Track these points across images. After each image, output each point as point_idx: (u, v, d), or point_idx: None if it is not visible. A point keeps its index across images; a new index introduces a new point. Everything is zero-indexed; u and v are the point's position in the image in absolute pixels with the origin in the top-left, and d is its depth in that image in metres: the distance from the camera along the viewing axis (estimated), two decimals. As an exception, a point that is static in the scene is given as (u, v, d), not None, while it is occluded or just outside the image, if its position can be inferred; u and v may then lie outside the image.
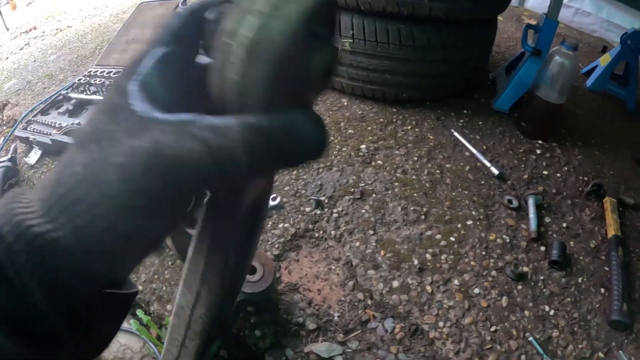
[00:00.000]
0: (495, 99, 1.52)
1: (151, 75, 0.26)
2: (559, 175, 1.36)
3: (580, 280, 1.12)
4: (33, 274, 0.21)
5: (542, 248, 1.15)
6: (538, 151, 1.41)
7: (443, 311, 0.98)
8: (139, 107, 0.24)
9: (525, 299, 1.04)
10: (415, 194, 1.17)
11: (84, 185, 0.23)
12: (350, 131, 1.32)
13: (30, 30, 2.49)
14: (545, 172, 1.35)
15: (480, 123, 1.46)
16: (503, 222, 1.17)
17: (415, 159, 1.27)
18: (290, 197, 1.16)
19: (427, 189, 1.19)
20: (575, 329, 1.03)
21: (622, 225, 1.30)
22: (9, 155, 1.37)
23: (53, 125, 1.33)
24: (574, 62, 1.35)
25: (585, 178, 1.37)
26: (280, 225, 1.10)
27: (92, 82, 1.41)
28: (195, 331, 0.37)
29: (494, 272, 1.06)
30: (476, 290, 1.03)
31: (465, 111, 1.49)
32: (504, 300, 1.02)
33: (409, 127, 1.37)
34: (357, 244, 1.07)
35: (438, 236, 1.10)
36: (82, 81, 1.44)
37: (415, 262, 1.04)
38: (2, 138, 1.47)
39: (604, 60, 1.84)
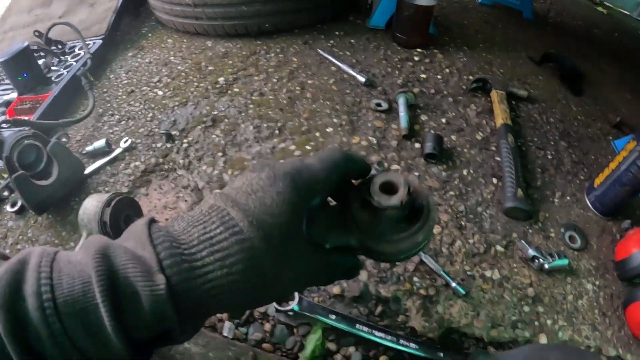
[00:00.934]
0: (370, 17, 1.48)
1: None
2: (439, 77, 1.31)
3: (465, 172, 1.07)
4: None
5: (417, 145, 1.10)
6: (416, 58, 1.37)
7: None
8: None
9: (396, 196, 0.98)
10: (270, 112, 1.13)
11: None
12: (210, 68, 1.28)
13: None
14: (423, 76, 1.30)
15: (352, 41, 1.42)
16: (370, 125, 1.13)
17: (275, 80, 1.23)
18: (143, 137, 1.12)
19: (284, 106, 1.15)
20: (463, 223, 0.98)
21: (516, 117, 1.26)
22: None
23: None
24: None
25: (471, 77, 1.32)
26: (132, 165, 1.07)
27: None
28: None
29: (355, 174, 1.01)
30: (334, 195, 0.97)
31: (337, 33, 1.45)
32: (370, 201, 0.96)
33: (273, 55, 1.33)
34: (205, 167, 1.03)
35: (292, 147, 1.06)
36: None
37: (265, 173, 0.99)
38: None
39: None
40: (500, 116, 1.18)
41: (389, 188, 0.50)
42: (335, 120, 1.12)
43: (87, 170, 1.05)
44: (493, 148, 1.14)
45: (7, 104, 1.24)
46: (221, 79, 1.24)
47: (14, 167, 0.92)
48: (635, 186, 1.01)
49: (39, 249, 0.33)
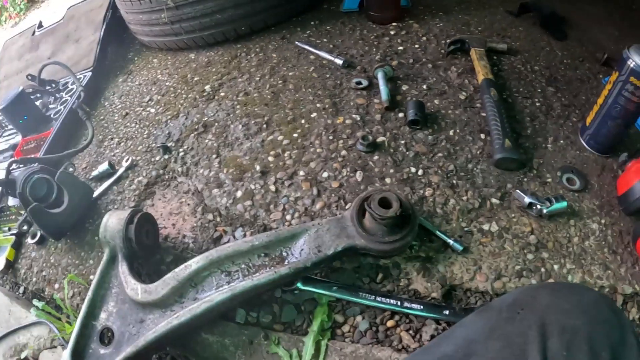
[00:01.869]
0: (343, 1, 1.52)
1: None
2: (417, 46, 1.34)
3: (451, 132, 1.10)
4: None
5: (401, 114, 1.14)
6: (392, 32, 1.40)
7: (290, 204, 0.98)
8: None
9: (385, 167, 1.02)
10: (256, 109, 1.19)
11: None
12: (196, 78, 1.35)
13: None
14: (400, 48, 1.34)
15: (328, 27, 1.46)
16: (352, 103, 1.17)
17: (258, 79, 1.29)
18: (142, 154, 1.19)
19: (269, 101, 1.21)
20: (455, 181, 1.01)
21: (499, 71, 1.28)
22: None
23: None
24: None
25: (449, 40, 1.34)
26: (135, 180, 1.14)
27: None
28: None
29: (343, 152, 1.06)
30: (325, 175, 1.02)
31: (312, 22, 1.50)
32: (359, 175, 1.01)
33: (253, 55, 1.39)
34: (202, 171, 1.09)
35: (280, 137, 1.11)
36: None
37: (257, 167, 1.06)
38: None
39: None
40: (481, 72, 1.20)
41: (385, 203, 0.79)
42: (318, 105, 1.17)
43: (96, 193, 1.13)
44: (478, 105, 1.17)
45: (14, 147, 1.33)
46: (207, 87, 1.30)
47: (28, 201, 1.00)
48: (626, 118, 1.00)
49: None
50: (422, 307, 0.82)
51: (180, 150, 1.15)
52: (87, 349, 0.82)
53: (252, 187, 1.02)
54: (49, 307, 1.00)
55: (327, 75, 1.26)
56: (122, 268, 0.88)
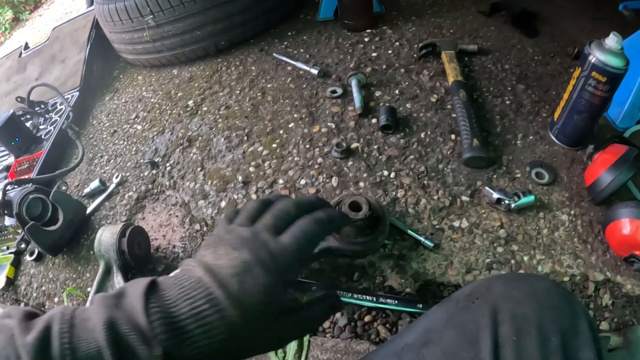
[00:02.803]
0: (319, 10, 1.61)
1: None
2: (390, 52, 1.42)
3: (423, 135, 1.17)
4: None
5: (374, 120, 1.21)
6: (366, 39, 1.48)
7: (271, 211, 1.07)
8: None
9: (359, 172, 1.10)
10: (237, 122, 1.28)
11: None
12: (179, 94, 1.44)
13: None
14: (374, 54, 1.42)
15: (305, 37, 1.55)
16: (328, 112, 1.25)
17: (238, 92, 1.37)
18: (131, 170, 1.28)
19: (249, 113, 1.29)
20: (426, 182, 1.07)
21: (470, 72, 1.34)
22: None
23: None
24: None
25: (420, 44, 1.42)
26: (126, 196, 1.23)
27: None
28: None
29: (320, 159, 1.14)
30: (302, 182, 1.10)
31: (290, 33, 1.58)
32: (334, 181, 1.09)
33: (233, 69, 1.47)
34: (188, 183, 1.18)
35: (260, 148, 1.19)
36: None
37: (240, 178, 1.14)
38: None
39: None
40: (452, 74, 1.28)
41: (355, 206, 0.86)
42: (295, 115, 1.25)
43: (89, 210, 1.22)
44: (449, 107, 1.24)
45: (7, 168, 1.42)
46: (190, 102, 1.39)
47: (25, 220, 1.09)
48: (591, 111, 1.06)
49: (59, 313, 0.43)
50: (396, 302, 0.89)
51: (167, 164, 1.23)
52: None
53: (235, 196, 1.10)
54: (49, 320, 1.08)
55: (304, 86, 1.35)
56: (117, 279, 0.97)
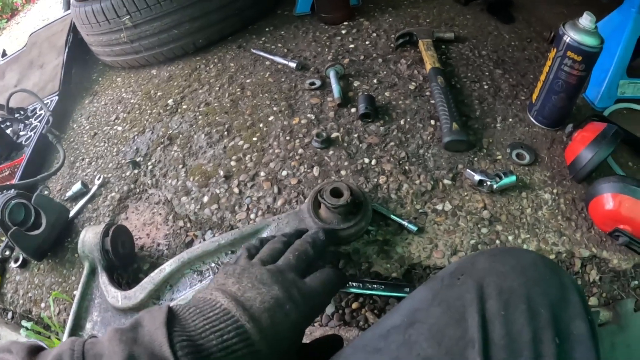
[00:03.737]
0: (295, 5, 1.63)
1: None
2: (367, 42, 1.44)
3: (402, 122, 1.18)
4: None
5: (353, 110, 1.22)
6: (344, 31, 1.50)
7: (253, 204, 1.08)
8: None
9: (340, 160, 1.11)
10: (217, 118, 1.29)
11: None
12: (159, 94, 1.44)
13: None
14: (352, 46, 1.43)
15: (282, 32, 1.56)
16: (307, 104, 1.26)
17: (217, 88, 1.38)
18: (113, 171, 1.28)
19: (229, 109, 1.30)
20: (407, 167, 1.09)
21: (447, 59, 1.36)
22: None
23: None
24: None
25: (397, 34, 1.44)
26: (109, 197, 1.23)
27: None
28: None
29: (300, 150, 1.15)
30: (284, 173, 1.11)
31: (267, 29, 1.60)
32: (315, 170, 1.10)
33: (212, 66, 1.48)
34: (170, 181, 1.18)
35: (241, 142, 1.20)
36: None
37: (221, 172, 1.15)
38: None
39: None
40: (429, 62, 1.30)
41: (337, 192, 0.87)
42: (275, 108, 1.26)
43: (72, 212, 1.22)
44: (427, 93, 1.27)
45: (-11, 176, 1.42)
46: (170, 101, 1.40)
47: (8, 226, 1.09)
48: (568, 91, 1.08)
49: (68, 350, 0.40)
50: (383, 287, 0.90)
51: (149, 163, 1.24)
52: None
53: (217, 191, 1.11)
54: (37, 326, 1.08)
55: (282, 79, 1.36)
56: (102, 279, 0.97)
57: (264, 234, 0.92)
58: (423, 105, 1.22)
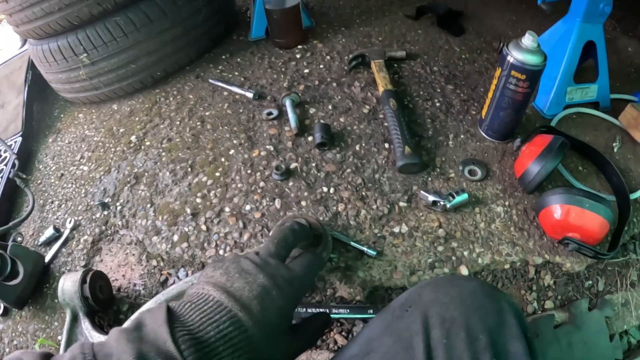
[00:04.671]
0: (250, 30, 1.68)
1: None
2: (322, 66, 1.51)
3: (357, 147, 1.25)
4: None
5: (310, 138, 1.29)
6: (298, 55, 1.56)
7: (221, 240, 1.14)
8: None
9: (300, 191, 1.18)
10: (180, 154, 1.34)
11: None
12: (121, 130, 1.49)
13: None
14: (306, 71, 1.50)
15: (239, 60, 1.61)
16: (266, 135, 1.33)
17: (178, 122, 1.44)
18: (83, 213, 1.33)
19: (190, 144, 1.36)
20: (364, 193, 1.16)
21: (400, 78, 1.43)
22: None
23: None
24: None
25: (351, 56, 1.51)
26: (82, 240, 1.28)
27: None
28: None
29: (262, 184, 1.22)
30: (247, 207, 1.18)
31: (224, 56, 1.65)
32: (277, 203, 1.17)
33: (172, 99, 1.53)
34: (140, 221, 1.24)
35: (204, 178, 1.27)
36: None
37: (188, 210, 1.21)
38: None
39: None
40: (381, 84, 1.37)
41: None
42: (235, 141, 1.33)
43: (47, 258, 1.27)
44: (381, 116, 1.34)
45: (-42, 229, 1.45)
46: (133, 137, 1.45)
47: (-15, 277, 1.14)
48: (515, 107, 1.16)
49: (79, 353, 0.44)
50: (348, 310, 0.98)
51: (118, 204, 1.29)
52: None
53: (186, 229, 1.18)
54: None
55: (241, 110, 1.42)
56: (85, 325, 1.04)
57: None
58: (377, 128, 1.29)
